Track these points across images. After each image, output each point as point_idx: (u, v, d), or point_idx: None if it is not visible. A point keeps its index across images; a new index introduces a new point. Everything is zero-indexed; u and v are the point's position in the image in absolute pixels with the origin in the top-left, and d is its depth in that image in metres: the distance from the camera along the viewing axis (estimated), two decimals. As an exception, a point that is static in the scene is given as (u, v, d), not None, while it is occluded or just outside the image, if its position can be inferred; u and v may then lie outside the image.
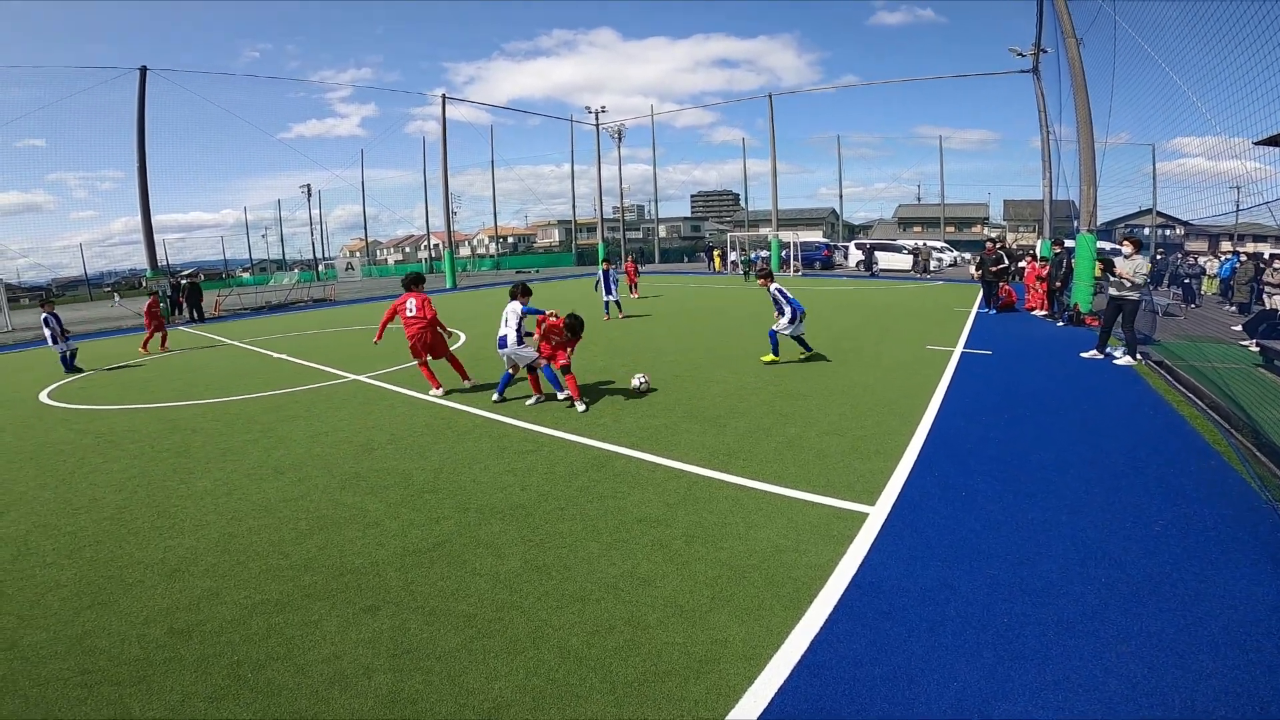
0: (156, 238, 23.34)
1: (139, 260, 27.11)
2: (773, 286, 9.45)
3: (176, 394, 9.39)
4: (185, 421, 7.69)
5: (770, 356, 9.49)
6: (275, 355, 12.56)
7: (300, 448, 6.38)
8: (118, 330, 20.43)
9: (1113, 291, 9.51)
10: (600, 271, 16.20)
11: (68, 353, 12.14)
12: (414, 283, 8.26)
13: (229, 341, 14.91)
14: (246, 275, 58.04)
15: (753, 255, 35.96)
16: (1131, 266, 9.17)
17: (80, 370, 12.01)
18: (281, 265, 61.43)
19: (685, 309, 17.68)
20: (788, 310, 9.22)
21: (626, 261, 20.48)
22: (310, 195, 61.51)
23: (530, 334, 7.60)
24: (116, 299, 32.96)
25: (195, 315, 21.91)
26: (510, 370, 7.80)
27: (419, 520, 4.56)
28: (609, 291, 15.61)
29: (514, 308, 7.56)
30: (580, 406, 7.30)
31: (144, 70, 22.53)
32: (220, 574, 3.92)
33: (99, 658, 3.14)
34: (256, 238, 66.90)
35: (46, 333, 12.06)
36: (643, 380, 8.12)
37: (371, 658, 3.03)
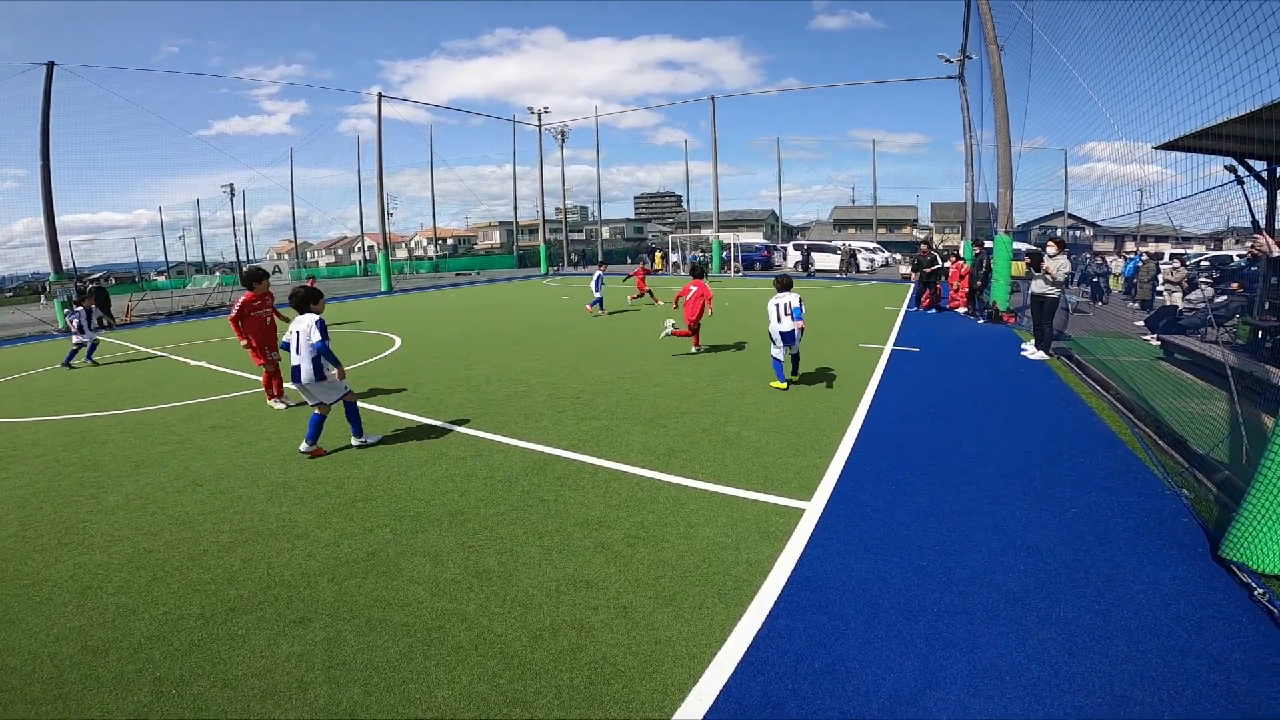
0: (62, 239, 21.82)
1: (42, 263, 25.30)
2: (786, 299, 8.17)
3: (85, 404, 8.81)
4: (94, 433, 7.21)
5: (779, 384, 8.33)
6: (194, 363, 11.90)
7: (221, 458, 6.07)
8: (20, 339, 19.03)
9: (1035, 289, 10.06)
10: (599, 273, 18.13)
11: (86, 345, 12.24)
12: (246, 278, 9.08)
13: (142, 349, 14.07)
14: (162, 279, 54.74)
15: (695, 255, 36.18)
16: (1056, 264, 9.74)
17: (96, 364, 12.27)
18: (201, 268, 58.24)
19: (644, 310, 17.68)
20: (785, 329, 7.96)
21: (638, 267, 22.83)
22: (234, 195, 58.43)
23: (335, 364, 5.82)
24: (43, 302, 30.64)
25: (104, 322, 20.62)
26: (319, 411, 6.02)
27: (352, 529, 4.41)
28: (598, 289, 17.29)
29: (305, 323, 5.78)
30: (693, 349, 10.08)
31: (51, 65, 21.08)
32: (136, 590, 3.70)
33: (10, 676, 2.95)
34: (173, 239, 63.45)
35: (75, 323, 12.16)
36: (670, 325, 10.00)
37: (305, 670, 2.92)
